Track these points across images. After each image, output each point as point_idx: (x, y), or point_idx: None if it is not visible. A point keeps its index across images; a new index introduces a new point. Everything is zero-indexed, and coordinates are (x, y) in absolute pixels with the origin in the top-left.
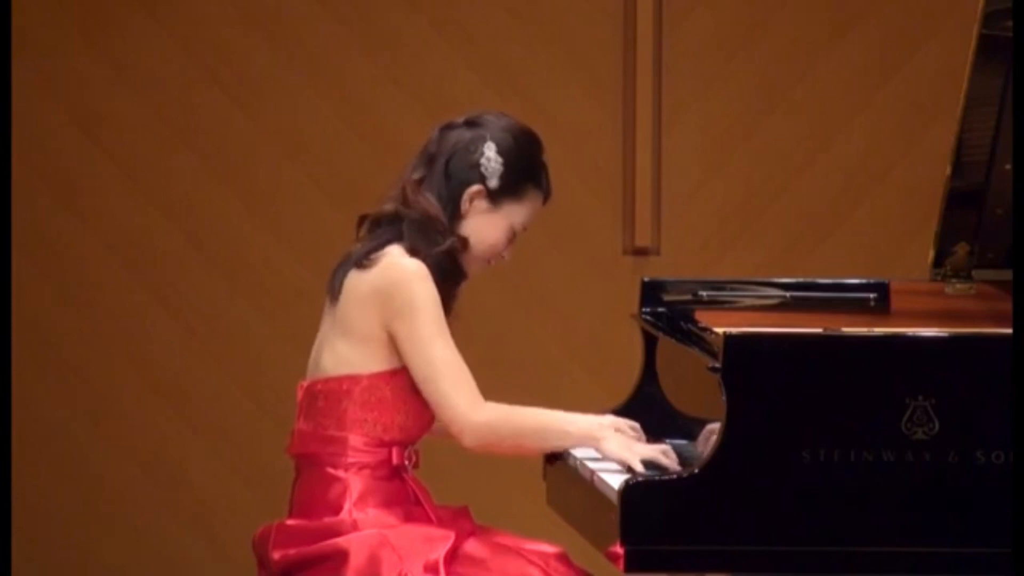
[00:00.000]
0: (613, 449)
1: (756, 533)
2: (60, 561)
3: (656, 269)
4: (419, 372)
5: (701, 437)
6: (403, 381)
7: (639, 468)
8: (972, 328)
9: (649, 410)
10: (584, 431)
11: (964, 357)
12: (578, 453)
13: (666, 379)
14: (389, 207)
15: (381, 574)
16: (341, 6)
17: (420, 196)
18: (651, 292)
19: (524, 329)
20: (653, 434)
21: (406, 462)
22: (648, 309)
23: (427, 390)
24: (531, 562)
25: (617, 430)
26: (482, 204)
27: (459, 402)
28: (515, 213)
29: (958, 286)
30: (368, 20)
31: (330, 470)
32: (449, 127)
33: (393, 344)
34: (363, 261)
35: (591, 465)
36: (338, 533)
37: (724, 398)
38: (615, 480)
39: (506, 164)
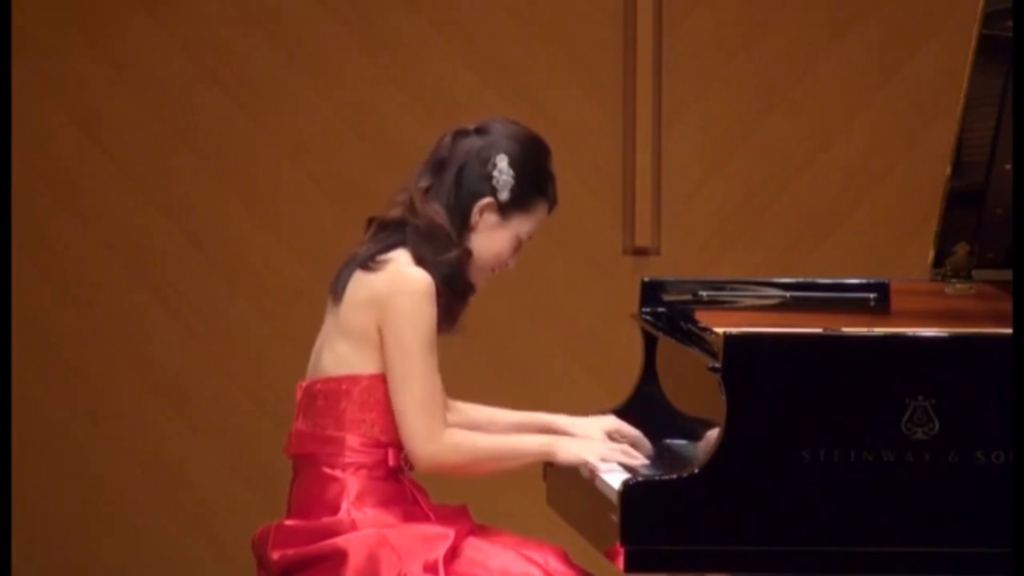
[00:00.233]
0: (571, 452)
1: (756, 533)
2: (60, 561)
3: (656, 269)
4: (393, 382)
5: (702, 443)
6: None
7: (599, 464)
8: (972, 328)
9: (649, 410)
10: (536, 449)
11: (964, 357)
12: None
13: (666, 379)
14: (396, 213)
15: (380, 574)
16: (341, 6)
17: (427, 206)
18: (651, 292)
19: (524, 329)
20: (653, 434)
21: (402, 463)
22: (648, 309)
23: (394, 400)
24: (531, 562)
25: (610, 436)
26: (492, 217)
27: (418, 428)
28: (522, 224)
29: (958, 286)
30: (368, 20)
31: (327, 470)
32: (461, 134)
33: None
34: (369, 263)
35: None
36: (337, 533)
37: (724, 398)
38: (615, 480)
39: (517, 177)
